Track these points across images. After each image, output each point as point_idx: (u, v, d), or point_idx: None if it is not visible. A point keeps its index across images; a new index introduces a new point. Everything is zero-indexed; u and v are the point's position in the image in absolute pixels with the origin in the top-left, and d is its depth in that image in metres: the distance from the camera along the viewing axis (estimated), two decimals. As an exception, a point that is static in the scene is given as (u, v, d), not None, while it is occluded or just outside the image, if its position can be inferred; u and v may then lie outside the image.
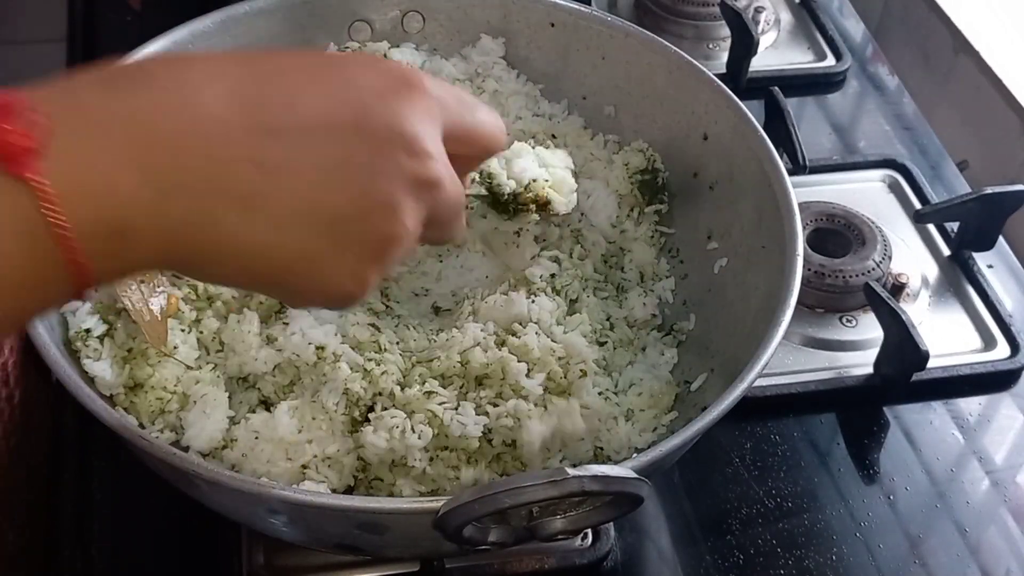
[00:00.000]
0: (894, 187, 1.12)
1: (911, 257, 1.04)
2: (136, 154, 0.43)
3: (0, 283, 0.42)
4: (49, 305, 0.46)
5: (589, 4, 0.99)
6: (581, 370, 0.75)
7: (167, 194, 0.43)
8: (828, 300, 0.98)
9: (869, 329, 0.96)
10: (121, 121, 0.43)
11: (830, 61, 1.26)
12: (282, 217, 0.46)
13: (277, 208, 0.46)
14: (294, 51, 0.55)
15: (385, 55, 0.90)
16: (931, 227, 1.07)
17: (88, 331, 0.72)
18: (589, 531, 0.81)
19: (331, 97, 0.48)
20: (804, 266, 0.72)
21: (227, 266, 0.47)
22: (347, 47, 0.91)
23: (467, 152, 0.55)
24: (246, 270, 0.47)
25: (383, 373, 0.73)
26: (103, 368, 0.71)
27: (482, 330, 0.76)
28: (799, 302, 0.70)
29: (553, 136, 0.91)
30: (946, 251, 1.05)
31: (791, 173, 0.79)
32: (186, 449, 0.71)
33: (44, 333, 0.66)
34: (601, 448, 0.75)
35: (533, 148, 0.80)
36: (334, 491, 0.70)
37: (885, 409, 0.93)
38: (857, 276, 0.97)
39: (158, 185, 0.43)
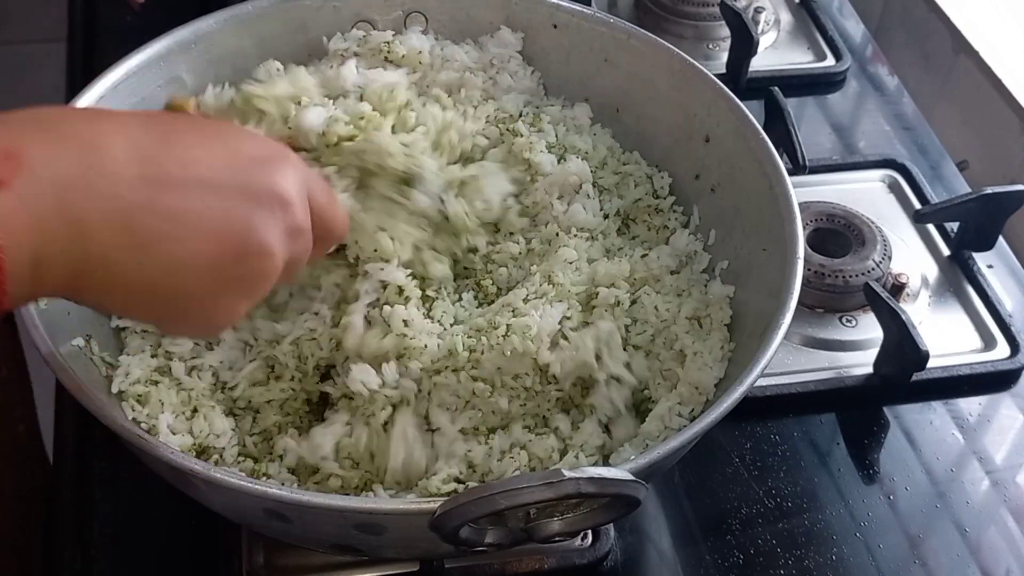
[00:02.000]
0: (894, 187, 1.12)
1: (911, 257, 1.04)
2: (56, 196, 0.49)
3: None
4: None
5: (589, 4, 0.99)
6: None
7: (77, 233, 0.49)
8: (828, 300, 0.98)
9: (869, 329, 0.96)
10: (43, 168, 0.49)
11: (830, 61, 1.26)
12: (171, 262, 0.52)
13: (166, 254, 0.52)
14: (188, 116, 0.65)
15: (389, 44, 0.90)
16: (931, 227, 1.07)
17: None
18: (589, 531, 0.81)
19: (218, 159, 0.55)
20: (804, 266, 0.72)
21: (116, 300, 0.54)
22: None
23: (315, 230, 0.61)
24: (133, 304, 0.54)
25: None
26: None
27: None
28: (799, 302, 0.70)
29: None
30: (946, 251, 1.05)
31: (791, 173, 0.79)
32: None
33: (43, 331, 0.66)
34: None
35: None
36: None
37: (885, 409, 0.93)
38: (857, 276, 0.97)
39: (71, 225, 0.49)
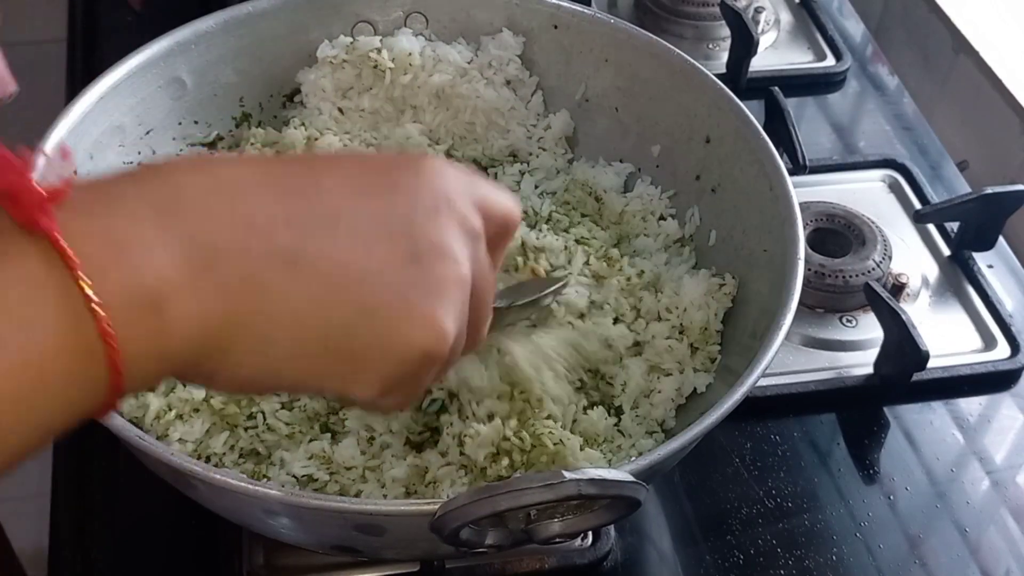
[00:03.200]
0: (894, 187, 1.12)
1: (911, 257, 1.04)
2: (164, 220, 0.40)
3: (25, 374, 0.37)
4: (78, 407, 0.40)
5: (589, 4, 0.99)
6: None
7: (203, 261, 0.40)
8: (828, 300, 0.98)
9: (869, 329, 0.96)
10: (141, 194, 0.40)
11: (830, 61, 1.26)
12: (333, 274, 0.43)
13: (326, 265, 0.42)
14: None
15: (380, 46, 0.90)
16: (931, 227, 1.07)
17: None
18: (589, 531, 0.81)
19: (359, 175, 0.46)
20: (804, 266, 0.72)
21: (280, 335, 0.42)
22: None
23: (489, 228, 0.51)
24: (301, 337, 0.43)
25: None
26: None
27: None
28: (799, 302, 0.70)
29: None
30: (946, 251, 1.05)
31: (791, 173, 0.79)
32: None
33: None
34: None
35: None
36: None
37: (885, 409, 0.93)
38: (857, 276, 0.97)
39: (191, 251, 0.40)
